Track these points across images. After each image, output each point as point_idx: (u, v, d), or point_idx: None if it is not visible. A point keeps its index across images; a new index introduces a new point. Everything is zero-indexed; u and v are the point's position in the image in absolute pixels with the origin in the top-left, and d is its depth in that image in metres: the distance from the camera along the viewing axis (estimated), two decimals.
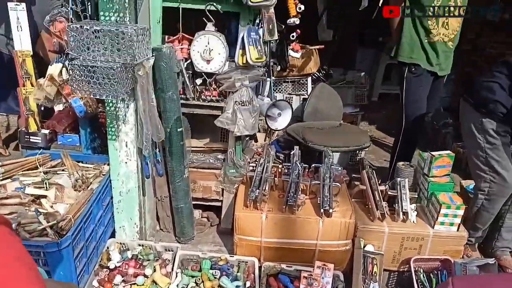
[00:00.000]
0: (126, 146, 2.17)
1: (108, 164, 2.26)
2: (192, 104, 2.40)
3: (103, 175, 2.29)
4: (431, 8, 2.56)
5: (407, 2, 2.61)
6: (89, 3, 1.95)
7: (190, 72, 2.35)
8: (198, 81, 2.38)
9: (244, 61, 2.21)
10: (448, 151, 2.47)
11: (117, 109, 2.08)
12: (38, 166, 2.24)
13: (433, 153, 2.45)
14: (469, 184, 2.79)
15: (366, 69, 5.06)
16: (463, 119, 2.31)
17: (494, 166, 2.18)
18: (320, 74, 3.85)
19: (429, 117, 3.03)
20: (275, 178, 2.43)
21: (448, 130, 4.05)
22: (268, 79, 2.48)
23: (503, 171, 2.17)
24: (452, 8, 2.61)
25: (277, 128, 2.53)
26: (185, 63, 2.32)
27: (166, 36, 2.28)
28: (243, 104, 2.30)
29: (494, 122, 2.12)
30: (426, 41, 2.65)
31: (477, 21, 4.06)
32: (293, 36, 2.87)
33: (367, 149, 3.09)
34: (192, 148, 2.61)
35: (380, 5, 2.70)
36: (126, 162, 2.21)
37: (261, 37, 2.24)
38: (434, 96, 2.92)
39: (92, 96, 1.80)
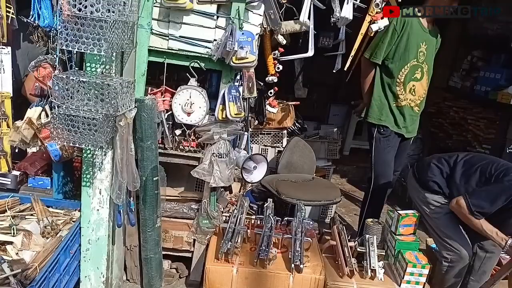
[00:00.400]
0: (100, 193, 2.16)
1: (79, 211, 2.23)
2: (170, 153, 2.44)
3: (73, 221, 2.25)
4: (399, 75, 2.77)
5: (378, 68, 2.82)
6: (75, 52, 2.01)
7: (170, 122, 2.41)
8: (178, 131, 2.44)
9: (224, 116, 2.30)
10: (414, 210, 2.58)
11: (94, 156, 2.09)
12: (7, 210, 2.18)
13: (400, 212, 2.55)
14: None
15: (338, 123, 5.28)
16: (410, 193, 2.50)
17: (445, 235, 2.32)
18: (295, 127, 3.99)
19: (397, 175, 3.19)
20: (248, 230, 2.45)
21: None
22: (246, 133, 2.57)
23: (453, 241, 2.30)
24: (418, 76, 2.83)
25: (252, 181, 2.59)
26: (166, 114, 2.38)
27: (149, 88, 2.36)
28: (220, 156, 2.36)
29: (434, 195, 2.34)
30: (394, 105, 2.84)
31: (442, 87, 4.38)
32: (271, 93, 3.02)
33: (337, 203, 3.17)
34: (166, 197, 2.61)
35: (346, 69, 2.90)
36: (98, 210, 2.18)
37: (241, 94, 2.35)
38: (401, 156, 3.09)
39: (71, 144, 1.81)
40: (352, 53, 2.84)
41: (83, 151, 2.08)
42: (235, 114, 2.27)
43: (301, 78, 3.62)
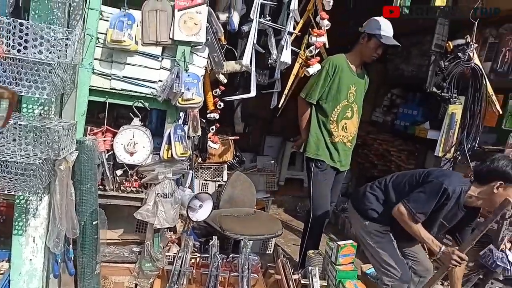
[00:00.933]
0: (34, 241, 2.00)
1: (8, 261, 2.03)
2: (110, 195, 2.34)
3: (1, 274, 2.04)
4: (333, 114, 2.99)
5: (313, 107, 3.01)
6: None
7: (111, 163, 2.33)
8: (119, 172, 2.36)
9: (169, 156, 2.28)
10: (351, 241, 2.74)
11: (28, 202, 1.94)
12: None
13: (339, 242, 2.69)
14: (369, 268, 3.07)
15: (273, 155, 5.47)
16: (353, 226, 2.65)
17: (386, 263, 2.45)
18: (234, 161, 4.06)
19: (333, 206, 3.38)
20: (194, 271, 2.41)
21: (346, 214, 4.48)
22: (190, 171, 2.56)
23: (393, 268, 2.43)
24: (349, 114, 3.07)
25: (197, 220, 2.56)
26: (107, 155, 2.30)
27: (89, 127, 2.27)
28: (165, 196, 2.32)
29: (375, 224, 2.47)
30: (329, 141, 3.04)
31: (366, 121, 4.77)
32: (212, 129, 3.07)
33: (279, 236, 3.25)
34: (106, 241, 2.47)
35: (280, 106, 3.06)
36: (31, 259, 2.01)
37: (186, 133, 2.36)
38: (337, 188, 3.29)
39: (6, 192, 1.68)
40: (286, 91, 3.02)
41: (16, 197, 1.92)
42: (181, 154, 2.27)
43: (239, 113, 3.73)
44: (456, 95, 3.08)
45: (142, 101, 2.25)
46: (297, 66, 2.92)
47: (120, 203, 2.38)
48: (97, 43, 2.08)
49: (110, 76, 2.15)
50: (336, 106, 2.99)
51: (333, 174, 3.15)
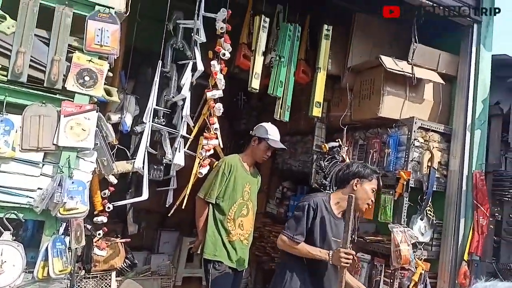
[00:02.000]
0: None
1: None
2: None
3: None
4: (230, 212, 3.01)
5: (211, 207, 3.01)
6: None
7: None
8: None
9: (45, 274, 1.98)
10: None
11: None
12: None
13: None
14: None
15: (169, 251, 5.17)
16: None
17: None
18: (125, 265, 3.71)
19: None
20: None
21: None
22: None
23: None
24: (245, 212, 3.13)
25: None
26: None
27: None
28: None
29: None
30: (226, 239, 3.01)
31: (261, 212, 4.90)
32: (99, 234, 2.82)
33: None
34: None
35: (183, 206, 3.02)
36: None
37: (67, 245, 2.11)
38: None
39: None
40: (187, 191, 3.00)
41: None
42: (60, 271, 1.99)
43: (131, 214, 3.53)
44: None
45: (15, 212, 1.98)
46: (196, 166, 2.97)
47: None
48: None
49: None
50: (232, 204, 3.03)
51: (232, 275, 3.07)
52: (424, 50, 3.31)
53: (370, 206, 2.69)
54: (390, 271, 3.05)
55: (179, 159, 2.74)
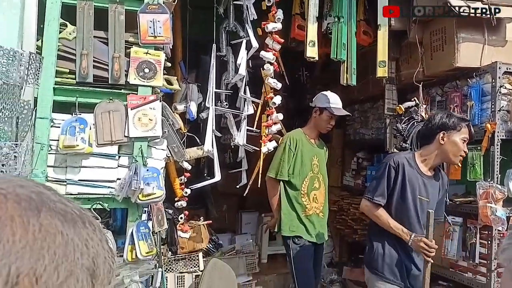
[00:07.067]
0: None
1: None
2: None
3: None
4: (302, 187, 2.98)
5: (282, 185, 3.00)
6: None
7: None
8: None
9: (134, 257, 2.15)
10: None
11: None
12: None
13: None
14: None
15: (252, 231, 5.31)
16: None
17: None
18: (210, 245, 3.89)
19: (318, 281, 3.22)
20: None
21: (335, 286, 4.27)
22: (160, 269, 2.41)
23: None
24: (317, 185, 3.07)
25: None
26: None
27: None
28: None
29: (380, 280, 2.28)
30: (303, 215, 2.99)
31: (338, 186, 4.79)
32: (181, 218, 2.97)
33: None
34: None
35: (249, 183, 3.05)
36: None
37: (151, 229, 2.26)
38: (319, 262, 3.17)
39: None
40: (256, 170, 3.03)
41: None
42: (147, 253, 2.14)
43: (211, 198, 3.68)
44: None
45: (101, 202, 2.16)
46: (262, 145, 2.99)
47: None
48: (50, 150, 2.04)
49: (65, 182, 2.08)
50: (304, 179, 2.99)
51: (312, 249, 3.05)
52: None
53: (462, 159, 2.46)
54: (487, 233, 2.79)
55: (240, 138, 2.77)
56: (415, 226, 2.26)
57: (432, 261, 2.22)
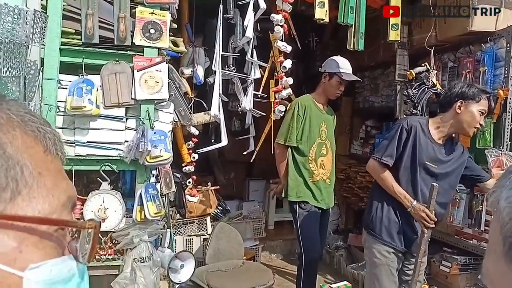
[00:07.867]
0: None
1: None
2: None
3: None
4: (310, 153, 2.98)
5: (290, 151, 3.00)
6: None
7: None
8: None
9: (143, 217, 2.19)
10: (345, 282, 2.64)
11: None
12: None
13: (332, 285, 2.58)
14: None
15: (259, 199, 5.38)
16: (365, 251, 2.46)
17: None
18: (218, 211, 3.96)
19: (323, 245, 3.28)
20: None
21: (340, 252, 4.35)
22: (168, 230, 2.47)
23: None
24: (324, 152, 3.07)
25: (180, 281, 2.43)
26: None
27: None
28: (142, 261, 2.20)
29: (377, 241, 2.29)
30: (310, 181, 3.00)
31: (346, 155, 4.78)
32: (189, 182, 3.01)
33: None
34: None
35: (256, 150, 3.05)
36: None
37: (159, 191, 2.29)
38: (324, 227, 3.21)
39: None
40: (263, 136, 3.02)
41: None
42: (155, 214, 2.18)
43: (219, 165, 3.70)
44: None
45: (109, 164, 2.19)
46: (272, 110, 2.97)
47: (97, 273, 2.24)
48: (58, 112, 2.05)
49: (74, 143, 2.10)
50: (312, 145, 2.99)
51: (319, 214, 3.08)
52: None
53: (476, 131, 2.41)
54: None
55: (247, 103, 2.75)
56: (418, 193, 2.22)
57: (427, 232, 2.19)
